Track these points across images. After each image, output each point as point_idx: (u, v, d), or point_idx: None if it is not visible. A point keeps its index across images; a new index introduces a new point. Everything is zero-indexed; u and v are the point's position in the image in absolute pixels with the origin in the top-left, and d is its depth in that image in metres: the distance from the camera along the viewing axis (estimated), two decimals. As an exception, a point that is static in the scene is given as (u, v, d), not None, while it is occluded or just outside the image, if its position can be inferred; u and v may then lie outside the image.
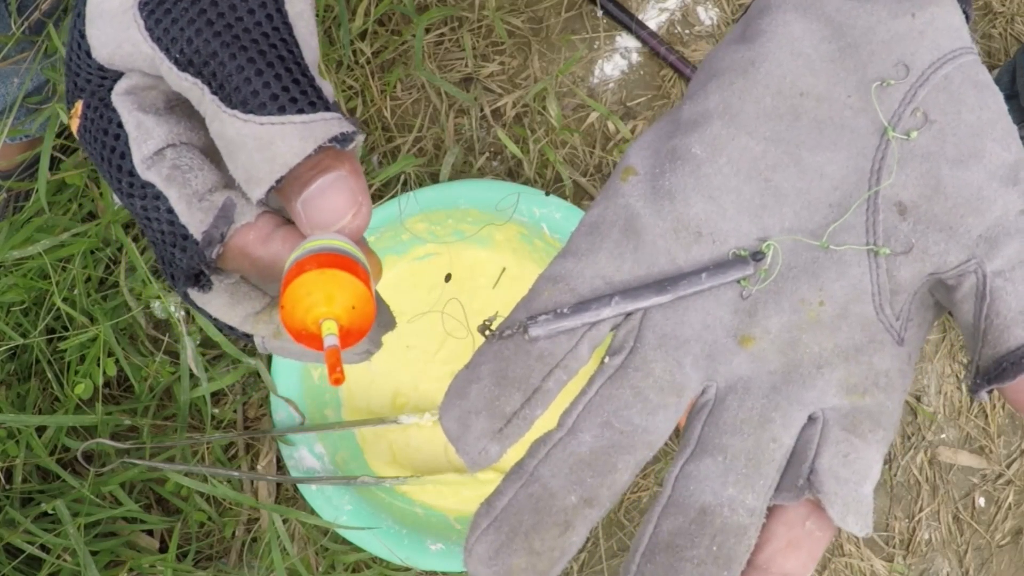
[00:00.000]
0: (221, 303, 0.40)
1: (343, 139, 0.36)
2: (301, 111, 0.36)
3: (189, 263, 0.38)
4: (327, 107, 0.37)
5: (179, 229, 0.38)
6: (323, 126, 0.36)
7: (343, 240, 0.36)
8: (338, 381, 0.33)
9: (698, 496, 0.37)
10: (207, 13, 0.36)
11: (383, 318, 0.46)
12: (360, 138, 0.37)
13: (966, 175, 0.40)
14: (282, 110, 0.36)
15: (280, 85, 0.36)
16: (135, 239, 1.14)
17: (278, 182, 0.36)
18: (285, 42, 0.37)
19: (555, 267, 0.41)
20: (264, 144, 0.35)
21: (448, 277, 1.14)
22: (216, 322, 0.42)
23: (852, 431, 0.38)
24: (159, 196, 0.39)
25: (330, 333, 0.34)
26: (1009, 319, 0.37)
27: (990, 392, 0.38)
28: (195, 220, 0.38)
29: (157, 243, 0.40)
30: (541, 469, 0.38)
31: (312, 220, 0.36)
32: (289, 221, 0.39)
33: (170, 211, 0.38)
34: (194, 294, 0.40)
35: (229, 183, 0.39)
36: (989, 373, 0.37)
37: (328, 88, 0.38)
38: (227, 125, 0.36)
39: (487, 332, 0.40)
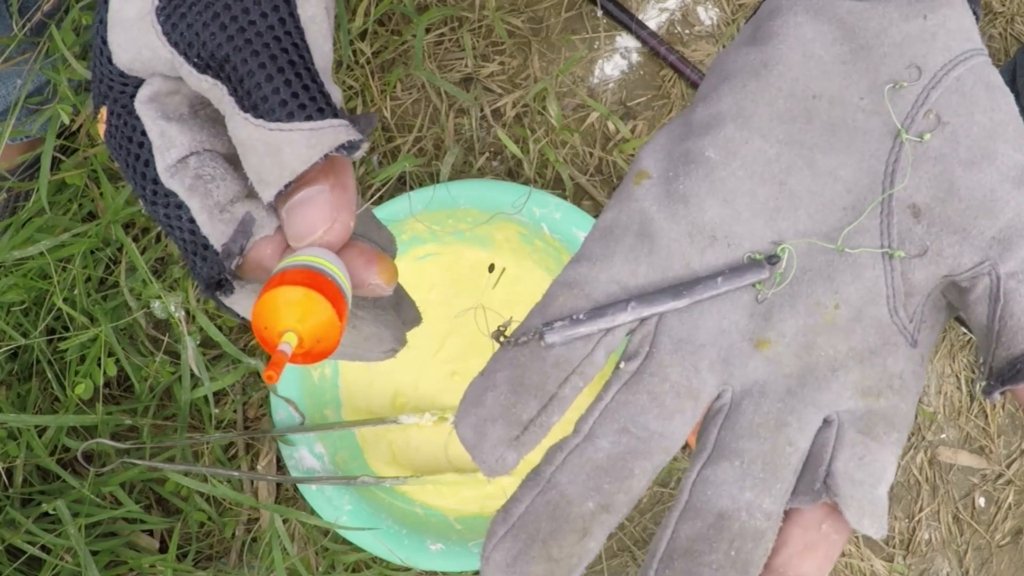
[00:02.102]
0: (249, 304, 0.41)
1: (350, 147, 0.36)
2: (309, 117, 0.36)
3: (209, 272, 0.39)
4: (335, 113, 0.37)
5: (200, 239, 0.39)
6: (331, 133, 0.36)
7: (321, 256, 0.36)
8: (270, 379, 0.34)
9: (716, 501, 0.37)
10: (220, 17, 0.37)
11: (408, 315, 0.46)
12: (365, 145, 0.37)
13: (979, 177, 0.40)
14: (290, 116, 0.36)
15: (289, 91, 0.36)
16: (135, 239, 1.14)
17: (286, 187, 0.36)
18: (296, 47, 0.37)
19: (569, 272, 0.41)
20: (273, 149, 0.36)
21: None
22: (244, 320, 0.42)
23: (867, 433, 0.38)
24: (181, 205, 0.39)
25: (285, 342, 0.35)
26: (1023, 321, 0.37)
27: (1003, 394, 0.38)
28: (216, 232, 0.38)
29: (180, 249, 0.40)
30: (558, 476, 0.37)
31: (290, 231, 0.37)
32: None
33: (192, 221, 0.39)
34: (220, 295, 0.40)
35: (252, 191, 0.39)
36: (1003, 374, 0.37)
37: (337, 93, 0.38)
38: (240, 127, 0.36)
39: (502, 338, 0.40)
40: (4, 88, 1.02)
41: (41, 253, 1.04)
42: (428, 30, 1.24)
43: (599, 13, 1.28)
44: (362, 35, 1.21)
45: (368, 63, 1.22)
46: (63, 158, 1.12)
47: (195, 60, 0.37)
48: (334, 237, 0.37)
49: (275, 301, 0.35)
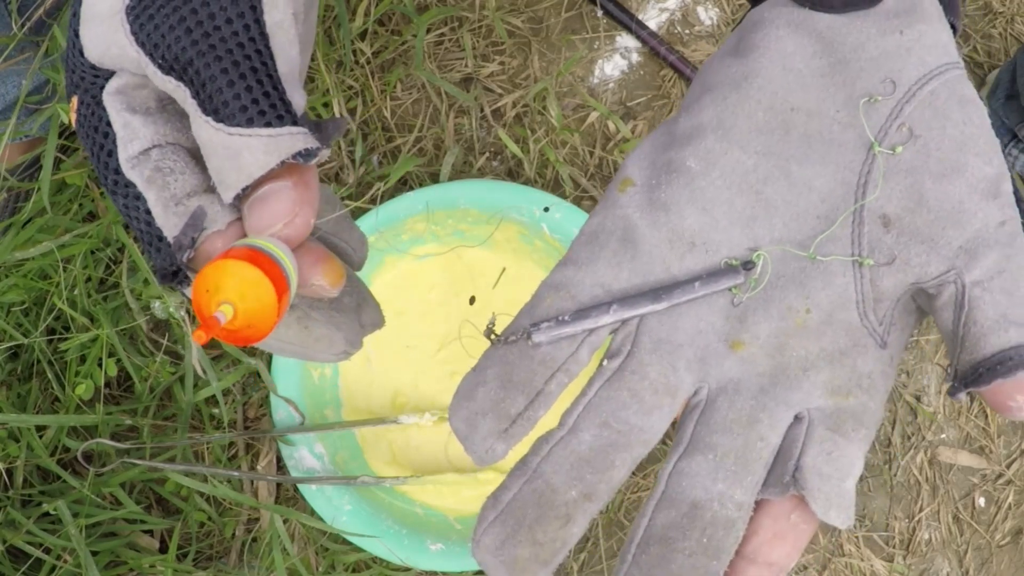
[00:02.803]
0: None
1: (307, 154, 0.37)
2: (268, 124, 0.37)
3: (162, 263, 0.40)
4: (294, 121, 0.38)
5: (155, 231, 0.40)
6: (288, 140, 0.37)
7: (271, 242, 0.37)
8: (199, 339, 0.34)
9: (689, 491, 0.40)
10: (186, 21, 0.38)
11: (369, 318, 0.47)
12: (324, 152, 0.38)
13: (948, 189, 0.41)
14: (250, 122, 0.37)
15: (250, 97, 0.37)
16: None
17: (244, 190, 0.37)
18: (260, 53, 0.38)
19: (556, 275, 0.43)
20: (232, 153, 0.37)
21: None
22: None
23: (836, 430, 0.40)
24: (139, 196, 0.40)
25: (221, 312, 0.35)
26: (986, 327, 0.39)
27: (968, 395, 0.40)
28: (170, 224, 0.39)
29: (138, 239, 0.41)
30: (544, 466, 0.40)
31: (250, 223, 0.38)
32: None
33: (148, 212, 0.40)
34: (177, 287, 0.41)
35: (211, 186, 0.40)
36: (967, 377, 0.39)
37: (300, 100, 0.39)
38: (202, 129, 0.37)
39: (492, 337, 0.42)
40: (3, 87, 1.03)
41: (53, 251, 1.04)
42: (428, 30, 1.24)
43: (599, 13, 1.28)
44: (362, 35, 1.22)
45: (368, 63, 1.22)
46: (63, 158, 1.12)
47: (160, 61, 0.38)
48: (293, 232, 0.38)
49: (222, 271, 0.35)
